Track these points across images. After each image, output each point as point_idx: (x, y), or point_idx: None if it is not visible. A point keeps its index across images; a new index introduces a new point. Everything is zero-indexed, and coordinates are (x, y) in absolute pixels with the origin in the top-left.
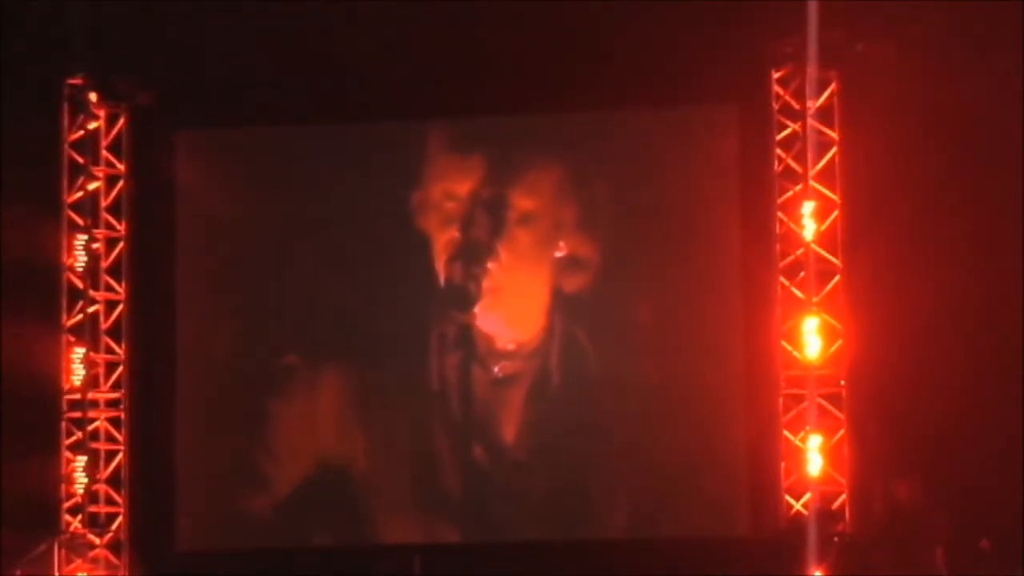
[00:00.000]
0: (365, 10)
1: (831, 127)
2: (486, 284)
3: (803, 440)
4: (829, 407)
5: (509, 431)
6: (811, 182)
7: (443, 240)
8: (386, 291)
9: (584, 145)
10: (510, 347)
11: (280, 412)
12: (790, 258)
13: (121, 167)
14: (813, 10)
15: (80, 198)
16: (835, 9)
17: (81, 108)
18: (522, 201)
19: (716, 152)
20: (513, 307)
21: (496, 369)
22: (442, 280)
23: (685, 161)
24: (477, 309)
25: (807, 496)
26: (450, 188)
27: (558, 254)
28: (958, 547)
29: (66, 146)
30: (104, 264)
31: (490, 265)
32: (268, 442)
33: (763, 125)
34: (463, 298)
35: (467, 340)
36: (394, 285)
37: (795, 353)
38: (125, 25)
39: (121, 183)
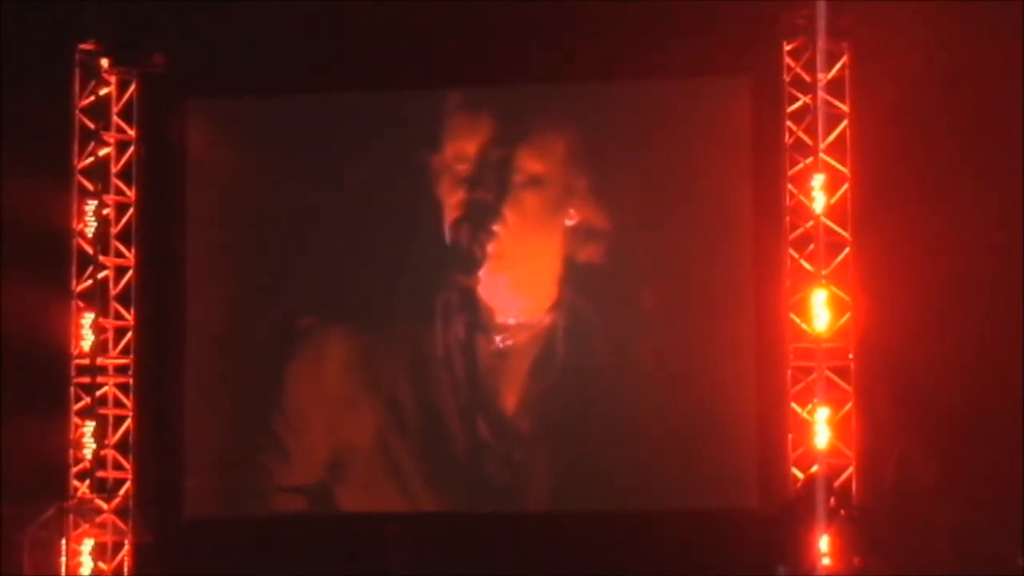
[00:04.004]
0: None
1: (842, 100)
2: (492, 248)
3: (811, 413)
4: (837, 380)
5: (514, 400)
6: (821, 155)
7: (452, 203)
8: (396, 256)
9: (595, 115)
10: (515, 315)
11: (288, 378)
12: (800, 230)
13: (132, 133)
14: None
15: (90, 164)
16: None
17: (92, 74)
18: (532, 164)
19: (727, 124)
20: (521, 273)
21: (499, 338)
22: (449, 244)
23: (695, 132)
24: (482, 273)
25: (815, 468)
26: (462, 150)
27: (568, 222)
28: (964, 522)
29: (77, 111)
30: (114, 230)
31: (496, 229)
32: (276, 408)
33: (774, 97)
34: (469, 262)
35: (473, 305)
36: (404, 250)
37: (804, 326)
38: None
39: (132, 149)
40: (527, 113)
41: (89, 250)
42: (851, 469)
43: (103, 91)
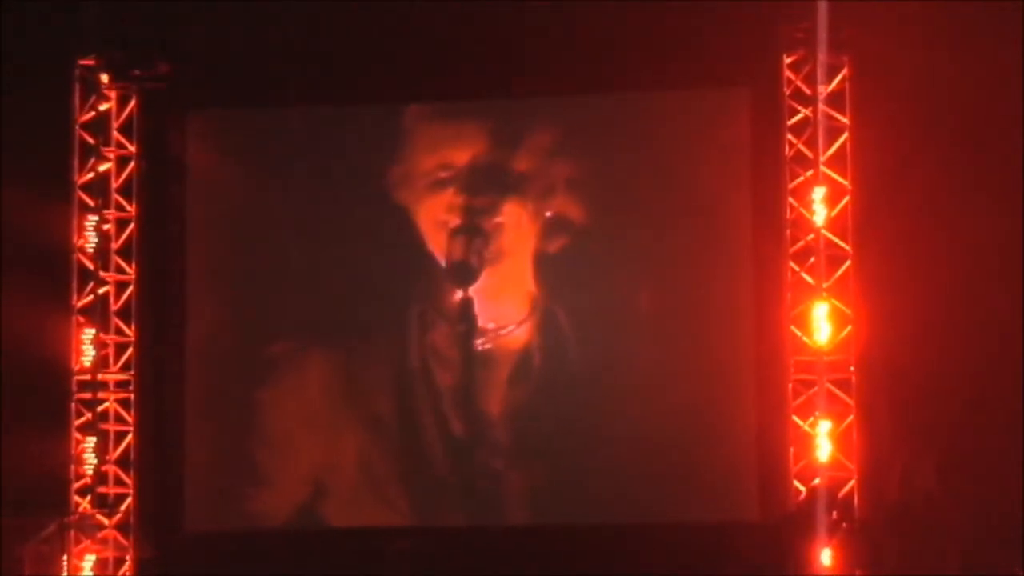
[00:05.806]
0: None
1: (842, 112)
2: (485, 258)
3: (812, 426)
4: (838, 393)
5: (505, 413)
6: (822, 167)
7: (436, 216)
8: (396, 269)
9: (594, 126)
10: (505, 324)
11: (284, 393)
12: (800, 243)
13: (132, 148)
14: None
15: (91, 179)
16: None
17: (92, 89)
18: (525, 169)
19: (727, 137)
20: (514, 285)
21: (487, 345)
22: (433, 255)
23: (696, 145)
24: (473, 286)
25: (816, 481)
26: (455, 162)
27: (562, 224)
28: (966, 535)
29: (77, 127)
30: (114, 245)
31: (486, 240)
32: (270, 424)
33: (774, 110)
34: (463, 273)
35: (456, 316)
36: (404, 262)
37: (805, 339)
38: (136, 6)
39: (132, 164)
40: (522, 124)
41: (90, 265)
42: (853, 482)
43: (103, 106)
